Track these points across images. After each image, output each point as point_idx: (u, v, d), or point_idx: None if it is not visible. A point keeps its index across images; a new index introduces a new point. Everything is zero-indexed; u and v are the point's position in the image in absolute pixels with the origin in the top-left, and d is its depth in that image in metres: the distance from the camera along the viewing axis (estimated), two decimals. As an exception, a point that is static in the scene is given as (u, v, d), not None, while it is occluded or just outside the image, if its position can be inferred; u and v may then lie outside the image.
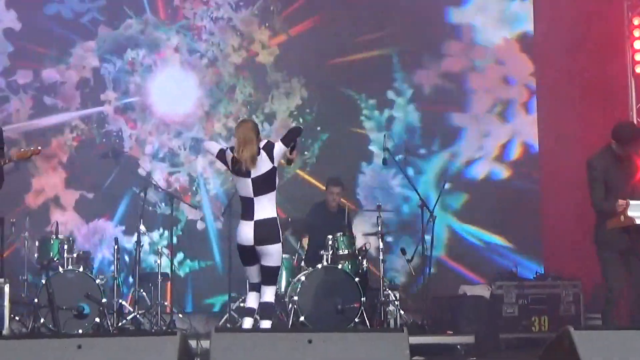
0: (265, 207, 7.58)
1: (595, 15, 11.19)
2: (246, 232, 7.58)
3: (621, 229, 7.79)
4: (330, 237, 9.86)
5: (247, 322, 7.69)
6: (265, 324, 7.65)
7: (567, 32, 11.22)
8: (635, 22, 11.05)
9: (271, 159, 7.54)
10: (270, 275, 7.72)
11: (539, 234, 11.55)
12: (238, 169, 7.55)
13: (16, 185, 9.73)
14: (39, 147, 6.94)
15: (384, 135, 10.00)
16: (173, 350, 4.94)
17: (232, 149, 7.69)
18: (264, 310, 7.71)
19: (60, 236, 9.75)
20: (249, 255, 7.66)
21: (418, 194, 9.77)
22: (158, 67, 11.64)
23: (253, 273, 7.76)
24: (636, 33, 11.05)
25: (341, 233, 9.94)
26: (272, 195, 7.65)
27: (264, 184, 7.57)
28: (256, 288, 7.78)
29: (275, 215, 7.69)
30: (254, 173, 7.53)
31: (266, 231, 7.57)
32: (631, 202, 7.68)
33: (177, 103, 11.61)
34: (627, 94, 11.12)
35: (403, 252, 10.03)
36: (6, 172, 7.18)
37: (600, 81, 11.20)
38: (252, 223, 7.56)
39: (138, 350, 5.01)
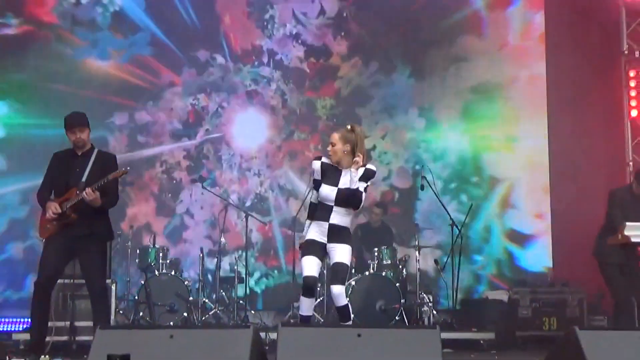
0: (342, 217, 6.47)
1: (597, 69, 11.15)
2: (321, 230, 6.45)
3: (619, 245, 7.73)
4: (375, 249, 9.87)
5: None
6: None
7: (573, 85, 11.17)
8: (631, 74, 11.00)
9: (360, 180, 6.44)
10: (339, 272, 6.40)
11: (549, 246, 11.37)
12: (330, 177, 6.50)
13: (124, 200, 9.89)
14: (128, 168, 7.01)
15: (422, 166, 9.89)
16: (247, 341, 4.96)
17: (319, 158, 6.64)
18: (342, 315, 6.48)
19: (156, 246, 9.86)
20: (314, 247, 6.47)
21: (448, 214, 9.65)
22: (234, 107, 11.63)
23: (310, 262, 6.41)
24: (632, 83, 10.98)
25: (385, 246, 9.95)
26: (349, 212, 6.51)
27: (346, 198, 6.43)
28: (310, 291, 6.43)
29: (349, 226, 6.58)
30: (342, 184, 6.45)
31: (340, 233, 6.45)
32: (627, 223, 7.60)
33: (251, 137, 11.59)
34: (623, 133, 11.05)
35: (436, 262, 9.98)
36: None
37: (601, 123, 11.14)
38: (326, 224, 6.44)
39: (219, 340, 5.03)
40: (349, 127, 6.60)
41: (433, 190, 9.59)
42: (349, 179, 6.46)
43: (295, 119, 11.73)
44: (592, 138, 11.05)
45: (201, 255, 10.11)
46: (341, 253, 6.45)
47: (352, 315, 6.56)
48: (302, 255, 6.52)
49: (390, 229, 10.67)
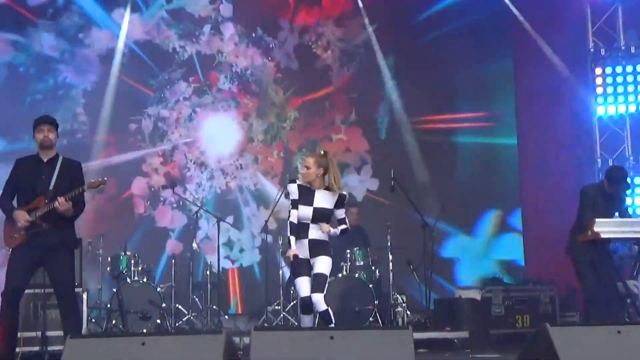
0: (319, 231, 6.92)
1: (565, 66, 11.25)
2: (303, 247, 6.92)
3: (589, 241, 7.78)
4: (348, 250, 9.82)
5: None
6: None
7: (541, 83, 11.25)
8: (598, 72, 11.09)
9: (335, 205, 7.00)
10: (319, 281, 6.84)
11: (521, 245, 11.45)
12: (305, 198, 6.97)
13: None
14: (105, 179, 6.95)
15: (392, 170, 9.76)
16: (220, 346, 4.90)
17: (293, 181, 7.11)
18: (323, 319, 6.86)
19: (128, 253, 9.77)
20: (303, 267, 6.91)
21: (420, 215, 9.65)
22: (208, 115, 11.60)
23: (304, 283, 6.87)
24: (598, 81, 11.08)
25: (357, 247, 9.90)
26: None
27: (322, 216, 6.94)
28: (308, 309, 6.86)
29: (328, 240, 7.02)
30: (317, 204, 6.95)
31: (321, 247, 6.93)
32: (597, 219, 7.65)
33: (222, 143, 11.60)
34: (591, 130, 11.16)
35: (408, 262, 9.95)
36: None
37: (570, 120, 11.24)
38: (306, 240, 6.92)
39: (191, 346, 4.98)
40: (322, 152, 7.13)
41: (403, 191, 9.59)
42: (322, 198, 6.97)
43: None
44: (561, 135, 11.15)
45: (173, 261, 10.04)
46: (321, 264, 6.93)
47: (333, 319, 6.83)
48: (295, 277, 7.01)
49: (363, 230, 10.64)
